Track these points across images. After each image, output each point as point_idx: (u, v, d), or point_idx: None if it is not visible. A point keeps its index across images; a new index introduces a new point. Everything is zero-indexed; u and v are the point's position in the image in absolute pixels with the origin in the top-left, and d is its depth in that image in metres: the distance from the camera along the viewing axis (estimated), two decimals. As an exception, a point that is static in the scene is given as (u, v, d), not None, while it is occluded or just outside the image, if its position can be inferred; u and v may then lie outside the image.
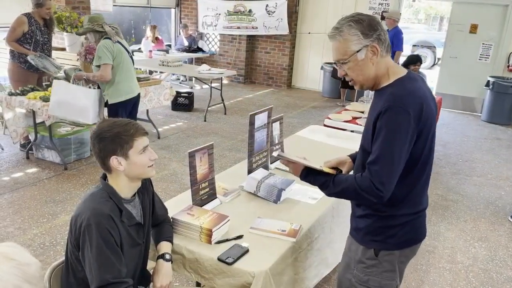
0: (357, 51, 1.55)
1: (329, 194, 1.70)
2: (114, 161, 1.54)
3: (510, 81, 7.48)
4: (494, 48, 7.93)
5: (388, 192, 1.50)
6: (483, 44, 8.02)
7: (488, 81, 7.54)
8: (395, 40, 6.68)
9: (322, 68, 8.85)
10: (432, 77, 9.81)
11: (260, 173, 2.49)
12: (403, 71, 1.61)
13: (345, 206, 2.57)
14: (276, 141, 2.89)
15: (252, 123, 2.45)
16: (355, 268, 1.73)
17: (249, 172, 2.50)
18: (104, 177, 1.62)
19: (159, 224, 1.85)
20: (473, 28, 8.07)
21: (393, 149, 1.47)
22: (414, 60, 5.79)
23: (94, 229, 1.44)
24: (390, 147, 1.47)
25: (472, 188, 4.74)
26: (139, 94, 4.19)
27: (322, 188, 1.72)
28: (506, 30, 7.70)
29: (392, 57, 6.72)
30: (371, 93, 4.80)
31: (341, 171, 1.85)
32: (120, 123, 1.56)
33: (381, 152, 1.48)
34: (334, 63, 1.67)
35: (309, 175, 1.77)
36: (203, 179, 2.17)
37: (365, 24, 1.54)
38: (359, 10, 8.49)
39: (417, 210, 1.66)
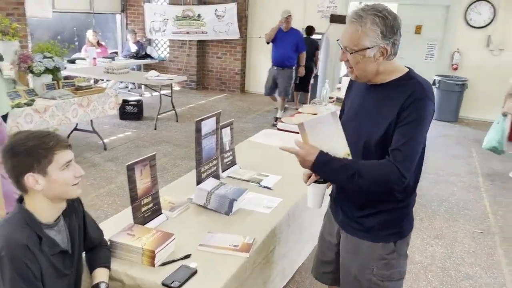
0: (369, 48, 1.54)
1: (349, 184, 1.56)
2: (29, 179, 1.31)
3: (455, 79, 7.73)
4: (438, 48, 8.19)
5: (408, 179, 1.54)
6: (427, 44, 8.27)
7: (434, 80, 7.76)
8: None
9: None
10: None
11: (210, 183, 2.32)
12: (406, 68, 1.64)
13: (302, 212, 2.46)
14: (227, 148, 2.73)
15: (198, 130, 2.27)
16: (375, 267, 1.70)
17: (198, 182, 2.32)
18: (21, 200, 1.39)
19: (94, 249, 1.63)
20: (418, 29, 8.31)
21: (420, 138, 1.54)
22: None
23: (7, 263, 1.21)
24: (418, 136, 1.53)
25: (425, 186, 4.78)
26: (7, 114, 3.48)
27: (342, 176, 1.55)
28: (448, 29, 7.97)
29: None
30: (323, 94, 4.77)
31: None
32: (38, 135, 1.34)
33: (409, 139, 1.51)
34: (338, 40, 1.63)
35: (327, 159, 1.56)
36: (145, 194, 1.97)
37: (389, 25, 1.52)
38: (308, 12, 8.53)
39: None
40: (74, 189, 1.39)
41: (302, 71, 7.12)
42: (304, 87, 7.73)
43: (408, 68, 1.65)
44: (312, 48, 7.60)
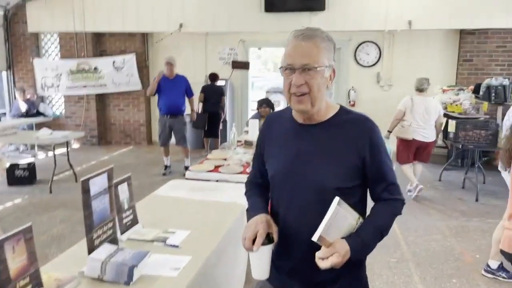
0: (326, 67, 1.42)
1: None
2: None
3: (353, 115, 8.17)
4: (335, 86, 8.68)
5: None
6: (325, 84, 8.71)
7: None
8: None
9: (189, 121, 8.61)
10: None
11: (104, 250, 2.01)
12: (335, 104, 1.58)
13: (214, 269, 2.23)
14: (126, 206, 2.44)
15: (86, 190, 1.98)
16: None
17: (90, 251, 1.99)
18: None
19: None
20: (315, 71, 8.75)
21: (390, 162, 1.53)
22: (262, 103, 5.94)
23: None
24: (389, 161, 1.51)
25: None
26: None
27: (375, 244, 1.47)
28: (342, 69, 8.51)
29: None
30: (231, 138, 4.67)
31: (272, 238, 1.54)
32: None
33: (389, 167, 1.50)
34: (286, 68, 1.43)
35: (358, 243, 1.42)
36: (21, 275, 1.61)
37: (334, 47, 1.47)
38: (209, 60, 8.61)
39: None
40: None
41: (194, 116, 7.05)
42: (213, 133, 7.65)
43: (338, 104, 1.58)
44: (218, 94, 7.60)
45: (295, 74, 1.40)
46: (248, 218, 1.61)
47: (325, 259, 1.36)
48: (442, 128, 6.04)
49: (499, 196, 5.69)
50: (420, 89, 5.46)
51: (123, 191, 2.43)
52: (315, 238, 1.36)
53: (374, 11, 7.31)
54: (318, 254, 1.38)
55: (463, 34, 7.76)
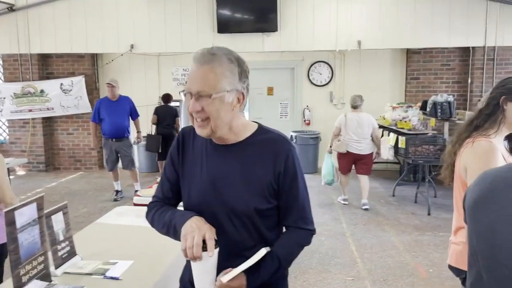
0: (227, 91, 1.34)
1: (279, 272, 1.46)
2: None
3: (309, 133, 8.26)
4: (290, 106, 8.76)
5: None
6: (280, 103, 8.79)
7: (291, 135, 8.18)
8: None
9: (134, 143, 8.35)
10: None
11: (33, 288, 1.82)
12: (254, 123, 1.52)
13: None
14: (61, 238, 2.25)
15: (11, 222, 1.80)
16: None
17: (16, 290, 1.81)
18: None
19: None
20: (270, 90, 8.82)
21: (305, 190, 1.50)
22: None
23: None
24: (303, 189, 1.48)
25: (296, 240, 4.75)
26: None
27: (274, 275, 1.44)
28: (296, 88, 8.61)
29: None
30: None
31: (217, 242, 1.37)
32: None
33: (303, 195, 1.48)
34: (186, 93, 1.38)
35: (253, 275, 1.38)
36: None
37: (244, 67, 1.39)
38: (163, 81, 8.47)
39: None
40: None
41: (140, 137, 6.83)
42: (167, 155, 7.43)
43: (256, 122, 1.51)
44: (171, 115, 7.45)
45: (192, 100, 1.35)
46: (178, 225, 1.40)
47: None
48: (393, 144, 6.18)
49: (450, 210, 5.76)
50: (353, 106, 5.89)
51: (58, 221, 2.25)
52: (225, 280, 1.32)
53: (325, 31, 7.48)
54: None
55: (410, 53, 8.08)
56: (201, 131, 1.39)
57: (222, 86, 1.33)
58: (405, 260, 4.23)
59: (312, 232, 1.52)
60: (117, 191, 6.50)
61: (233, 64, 1.36)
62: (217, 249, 1.33)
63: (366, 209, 5.83)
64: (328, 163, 6.14)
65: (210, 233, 1.33)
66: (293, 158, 1.44)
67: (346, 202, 6.15)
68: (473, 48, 7.58)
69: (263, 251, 1.37)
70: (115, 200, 6.37)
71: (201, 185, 1.46)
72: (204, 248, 1.30)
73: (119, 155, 6.44)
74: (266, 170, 1.41)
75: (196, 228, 1.33)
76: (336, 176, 6.15)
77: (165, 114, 7.36)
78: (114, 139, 6.33)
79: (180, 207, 1.60)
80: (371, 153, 5.95)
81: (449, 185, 2.12)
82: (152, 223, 1.59)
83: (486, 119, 1.95)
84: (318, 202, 6.23)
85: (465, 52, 7.82)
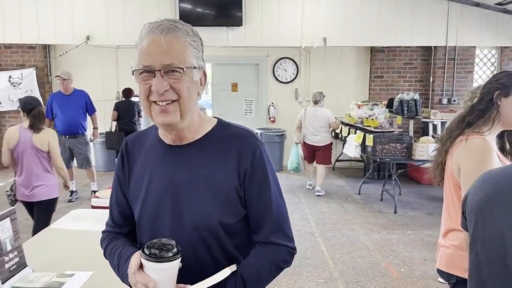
0: (195, 68, 1.11)
1: None
2: None
3: (274, 131, 8.12)
4: (255, 103, 8.59)
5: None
6: (245, 100, 8.60)
7: (256, 133, 8.00)
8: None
9: (90, 140, 7.90)
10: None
11: (-28, 311, 1.54)
12: (211, 117, 1.27)
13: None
14: (9, 248, 1.96)
15: None
16: None
17: (-49, 314, 1.52)
18: None
19: None
20: (234, 87, 8.61)
21: (280, 198, 1.25)
22: None
23: None
24: (279, 197, 1.23)
25: (265, 241, 4.58)
26: None
27: None
28: (262, 85, 8.45)
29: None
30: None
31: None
32: None
33: (278, 203, 1.22)
34: (143, 71, 1.09)
35: None
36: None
37: (202, 44, 1.17)
38: (121, 75, 8.06)
39: None
40: None
41: (96, 134, 6.36)
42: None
43: (215, 117, 1.27)
44: (133, 111, 7.08)
45: (156, 78, 1.07)
46: (125, 280, 1.17)
47: None
48: (360, 142, 6.15)
49: (415, 207, 5.87)
50: (314, 101, 6.49)
51: (4, 229, 1.96)
52: None
53: (291, 27, 7.36)
54: None
55: (374, 51, 8.11)
56: (164, 118, 1.10)
57: (190, 60, 1.10)
58: (376, 260, 4.16)
59: (291, 250, 1.24)
60: (71, 192, 6.06)
61: (196, 37, 1.14)
62: (178, 260, 1.09)
63: (318, 195, 6.39)
64: (293, 152, 6.76)
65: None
66: (261, 156, 1.19)
67: (310, 187, 6.78)
68: (435, 47, 7.70)
69: (227, 271, 1.12)
70: (70, 201, 5.96)
71: (153, 198, 1.20)
72: (155, 258, 1.06)
73: (73, 152, 6.00)
74: (229, 173, 1.16)
75: (131, 273, 1.09)
76: (302, 165, 6.75)
77: (126, 109, 7.00)
78: (67, 136, 5.88)
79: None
80: (327, 145, 6.49)
81: (438, 185, 2.00)
82: (106, 257, 1.35)
83: (479, 115, 1.84)
84: (291, 202, 6.09)
85: (427, 51, 7.94)
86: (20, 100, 3.85)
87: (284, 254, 1.22)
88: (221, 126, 1.23)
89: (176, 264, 1.07)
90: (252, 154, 1.17)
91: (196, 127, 1.19)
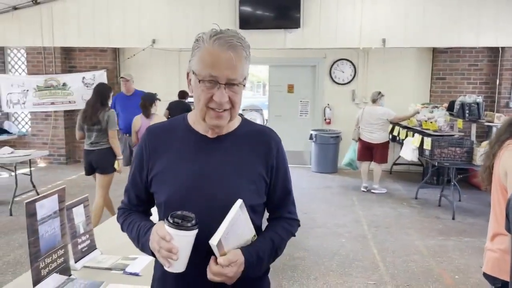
0: (245, 79, 1.27)
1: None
2: None
3: (329, 133, 8.12)
4: (311, 104, 8.63)
5: None
6: (300, 101, 8.67)
7: (311, 134, 8.06)
8: None
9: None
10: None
11: (52, 282, 1.79)
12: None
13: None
14: (81, 231, 2.21)
15: (31, 214, 1.76)
16: None
17: (35, 283, 1.77)
18: None
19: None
20: (290, 88, 8.70)
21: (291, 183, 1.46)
22: None
23: None
24: (290, 183, 1.45)
25: (315, 241, 4.65)
26: None
27: (269, 261, 1.35)
28: (318, 87, 8.47)
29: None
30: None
31: None
32: None
33: (291, 185, 1.44)
34: (210, 81, 1.21)
35: (252, 257, 1.26)
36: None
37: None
38: (183, 76, 8.42)
39: None
40: None
41: None
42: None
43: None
44: (183, 111, 7.35)
45: (219, 90, 1.21)
46: (146, 248, 1.30)
47: (217, 273, 1.19)
48: (418, 145, 6.02)
49: (476, 214, 5.65)
50: (372, 100, 6.70)
51: (78, 214, 2.21)
52: (214, 241, 1.17)
53: (349, 28, 7.32)
54: (210, 265, 1.20)
55: (436, 52, 7.86)
56: (217, 122, 1.25)
57: (245, 73, 1.25)
58: (429, 265, 4.09)
59: (298, 222, 1.48)
60: None
61: (249, 48, 1.28)
62: (196, 231, 1.19)
63: (374, 193, 6.63)
64: (351, 149, 7.12)
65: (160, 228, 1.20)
66: (283, 151, 1.40)
67: (365, 189, 6.78)
68: (503, 48, 7.32)
69: (238, 202, 1.23)
70: None
71: (185, 182, 1.29)
72: (177, 225, 1.18)
73: (133, 150, 6.35)
74: (258, 163, 1.33)
75: (155, 241, 1.21)
76: (358, 163, 7.05)
77: (177, 109, 7.23)
78: (128, 135, 6.07)
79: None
80: (384, 143, 6.60)
81: (486, 189, 1.99)
82: (124, 230, 1.50)
83: None
84: (338, 203, 6.11)
85: (494, 53, 7.57)
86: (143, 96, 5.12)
87: (295, 226, 1.45)
88: (246, 123, 1.40)
89: (193, 234, 1.20)
90: (277, 149, 1.37)
91: (229, 124, 1.33)
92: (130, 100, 6.17)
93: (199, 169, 1.30)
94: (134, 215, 1.46)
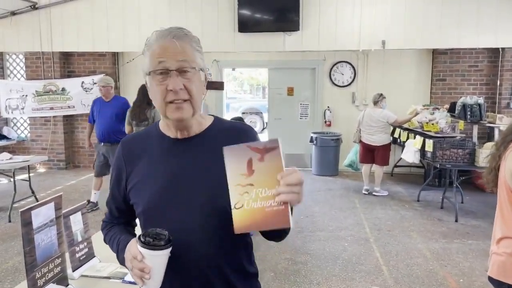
0: (201, 69, 1.25)
1: None
2: None
3: (330, 135, 8.08)
4: (311, 107, 8.59)
5: None
6: (300, 104, 8.64)
7: (312, 137, 8.02)
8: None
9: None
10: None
11: (48, 292, 1.73)
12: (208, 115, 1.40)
13: None
14: (79, 239, 2.17)
15: (27, 222, 1.72)
16: None
17: (31, 294, 1.72)
18: None
19: None
20: (290, 91, 8.67)
21: None
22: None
23: None
24: None
25: (317, 245, 4.60)
26: None
27: None
28: (317, 89, 8.44)
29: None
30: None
31: None
32: None
33: None
34: (161, 72, 1.20)
35: None
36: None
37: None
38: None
39: None
40: None
41: None
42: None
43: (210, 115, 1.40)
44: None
45: (172, 78, 1.19)
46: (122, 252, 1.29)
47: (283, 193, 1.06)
48: (419, 147, 5.98)
49: (479, 216, 5.61)
50: (373, 102, 6.68)
51: (76, 221, 2.17)
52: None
53: (348, 30, 7.29)
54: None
55: (436, 54, 7.83)
56: (178, 114, 1.21)
57: (198, 62, 1.24)
58: (433, 269, 4.04)
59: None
60: (88, 201, 5.53)
61: (200, 43, 1.28)
62: (169, 250, 1.17)
63: (375, 195, 6.61)
64: (353, 151, 7.23)
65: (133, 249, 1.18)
66: None
67: (366, 192, 6.77)
68: (503, 49, 7.29)
69: (278, 140, 1.11)
70: (87, 211, 6.06)
71: (161, 187, 1.27)
72: (149, 245, 1.15)
73: (108, 161, 5.63)
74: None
75: (128, 259, 1.21)
76: (359, 165, 7.09)
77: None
78: (104, 143, 5.62)
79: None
80: (385, 145, 6.57)
81: (492, 191, 1.95)
82: (107, 243, 1.49)
83: None
84: (339, 206, 6.06)
85: (494, 53, 7.54)
86: None
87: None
88: (218, 121, 1.36)
89: (166, 253, 1.16)
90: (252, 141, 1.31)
91: (198, 123, 1.31)
92: (107, 107, 5.67)
93: (171, 174, 1.27)
94: (116, 228, 1.45)
